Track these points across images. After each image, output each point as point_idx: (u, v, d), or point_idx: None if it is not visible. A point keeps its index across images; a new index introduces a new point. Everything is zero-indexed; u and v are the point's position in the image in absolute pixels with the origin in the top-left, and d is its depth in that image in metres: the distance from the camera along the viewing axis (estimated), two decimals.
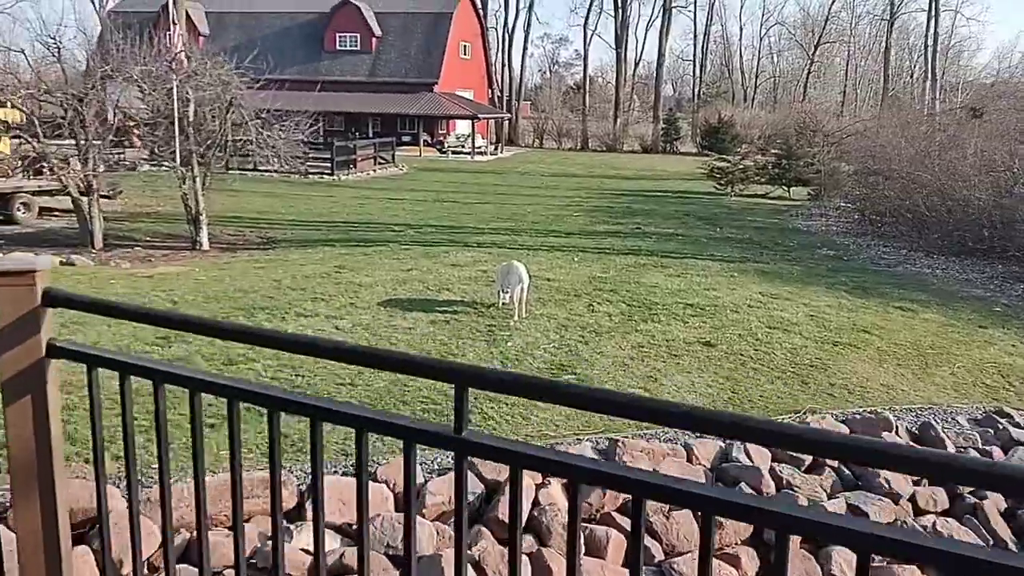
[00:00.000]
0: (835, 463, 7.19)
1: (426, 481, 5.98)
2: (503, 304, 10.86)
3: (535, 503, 5.91)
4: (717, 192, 29.34)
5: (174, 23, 29.80)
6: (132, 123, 20.95)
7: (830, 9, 70.55)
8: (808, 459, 7.11)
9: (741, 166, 29.45)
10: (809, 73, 71.49)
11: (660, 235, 19.06)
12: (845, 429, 7.70)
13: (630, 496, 1.70)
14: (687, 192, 30.30)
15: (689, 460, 6.88)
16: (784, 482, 6.74)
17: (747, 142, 48.74)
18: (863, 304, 12.53)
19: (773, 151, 34.22)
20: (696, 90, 72.23)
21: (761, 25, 78.71)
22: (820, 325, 11.13)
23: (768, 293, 12.81)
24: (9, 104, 16.65)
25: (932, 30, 61.04)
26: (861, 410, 8.19)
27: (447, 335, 9.52)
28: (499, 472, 6.05)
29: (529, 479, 6.08)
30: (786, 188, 29.93)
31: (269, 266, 14.01)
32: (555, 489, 6.09)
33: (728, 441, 7.13)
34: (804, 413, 8.16)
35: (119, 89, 17.94)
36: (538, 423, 7.29)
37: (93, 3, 73.66)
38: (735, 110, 59.99)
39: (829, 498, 6.70)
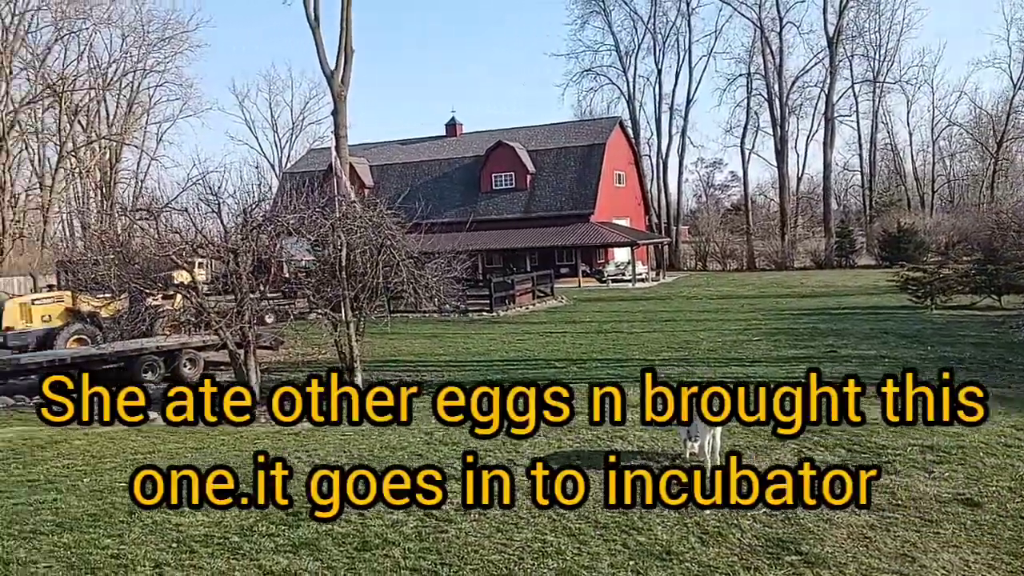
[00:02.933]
0: None
1: None
2: (690, 455, 8.97)
3: None
4: (914, 305, 26.19)
5: (337, 175, 30.86)
6: (299, 273, 21.10)
7: (1011, 103, 65.60)
8: None
9: (939, 275, 26.26)
10: (995, 172, 66.18)
11: (860, 359, 16.54)
12: None
13: None
14: (877, 307, 27.27)
15: None
16: None
17: (931, 250, 44.83)
18: None
19: (965, 257, 30.78)
20: (868, 200, 68.29)
21: (932, 128, 73.95)
22: None
23: None
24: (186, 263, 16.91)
25: None
26: None
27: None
28: None
29: None
30: (995, 296, 26.37)
31: (421, 415, 12.76)
32: None
33: None
34: None
35: (290, 242, 17.96)
36: None
37: (274, 169, 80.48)
38: (915, 217, 55.92)
39: None
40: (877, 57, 67.09)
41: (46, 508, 8.04)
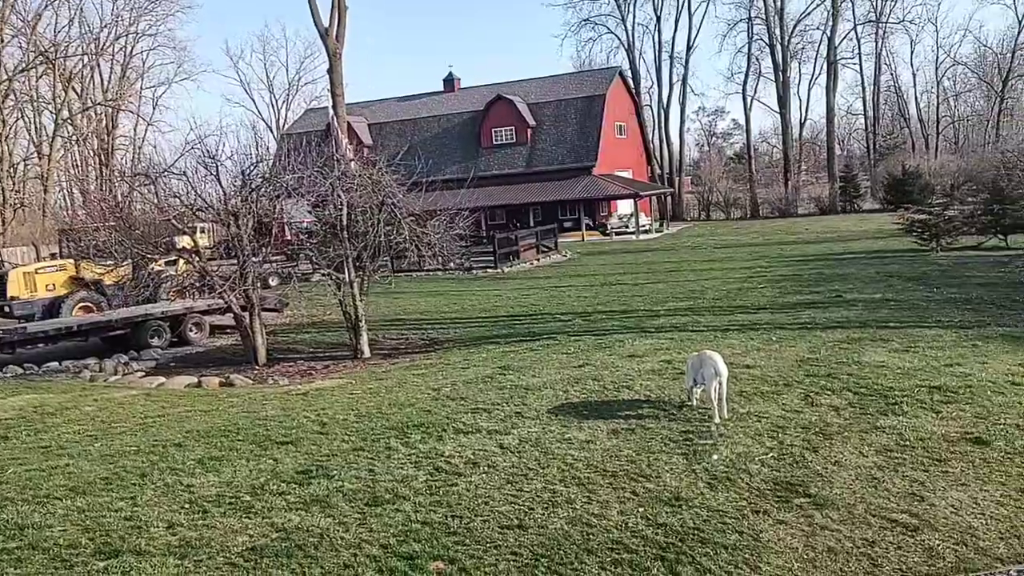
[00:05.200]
0: None
1: None
2: (698, 402, 8.99)
3: None
4: (919, 248, 26.08)
5: (335, 134, 30.63)
6: (301, 235, 21.06)
7: (1017, 40, 64.60)
8: None
9: (945, 217, 26.08)
10: (1000, 112, 65.40)
11: (866, 302, 16.49)
12: None
13: None
14: (883, 251, 27.17)
15: None
16: None
17: (937, 192, 44.47)
18: None
19: (971, 198, 30.56)
20: (872, 144, 67.65)
21: (936, 69, 72.94)
22: None
23: None
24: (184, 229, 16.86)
25: None
26: None
27: (634, 448, 7.73)
28: None
29: None
30: (1002, 237, 26.23)
31: (429, 372, 12.80)
32: None
33: None
34: None
35: (290, 203, 17.86)
36: None
37: (271, 130, 79.92)
38: (919, 159, 55.45)
39: None
40: None
41: (59, 473, 8.11)
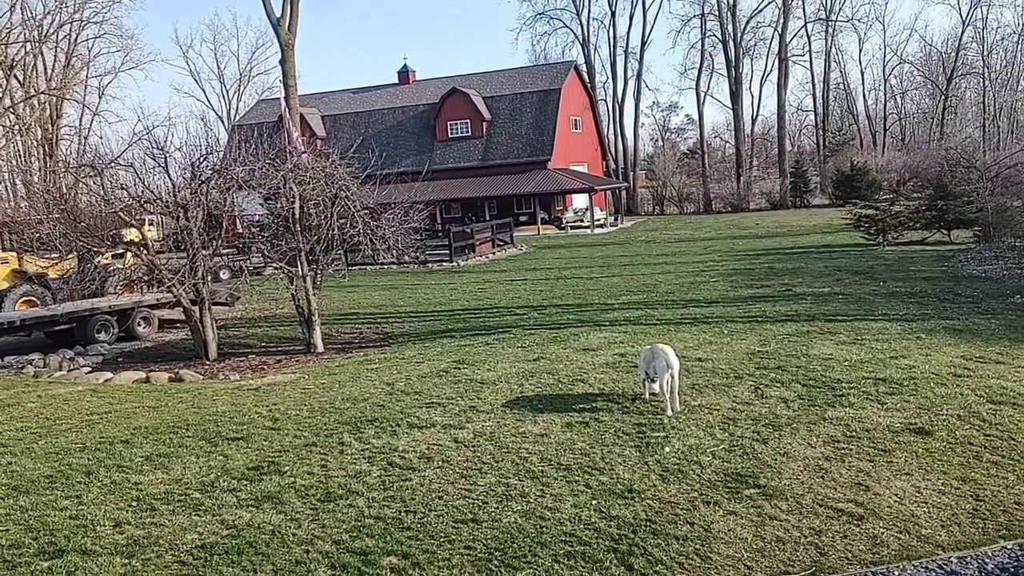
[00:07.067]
0: None
1: None
2: (650, 395, 9.07)
3: None
4: (867, 243, 26.64)
5: (287, 126, 30.22)
6: (253, 228, 20.75)
7: (960, 40, 66.29)
8: None
9: (892, 212, 26.70)
10: (944, 109, 67.06)
11: (815, 296, 16.81)
12: None
13: None
14: (831, 246, 27.70)
15: None
16: None
17: (883, 187, 45.55)
18: None
19: (916, 194, 31.37)
20: (821, 140, 68.89)
21: (883, 67, 74.66)
22: None
23: (972, 356, 10.48)
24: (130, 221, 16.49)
25: None
26: None
27: (588, 441, 7.78)
28: None
29: None
30: (945, 232, 26.94)
31: (383, 367, 12.72)
32: None
33: None
34: None
35: (242, 197, 17.58)
36: None
37: (222, 121, 78.63)
38: (867, 155, 56.62)
39: None
40: None
41: (0, 472, 7.89)
